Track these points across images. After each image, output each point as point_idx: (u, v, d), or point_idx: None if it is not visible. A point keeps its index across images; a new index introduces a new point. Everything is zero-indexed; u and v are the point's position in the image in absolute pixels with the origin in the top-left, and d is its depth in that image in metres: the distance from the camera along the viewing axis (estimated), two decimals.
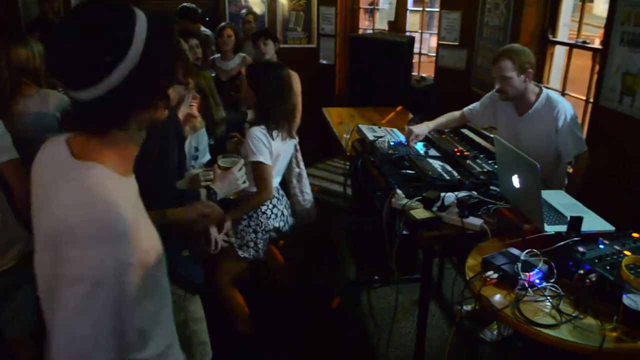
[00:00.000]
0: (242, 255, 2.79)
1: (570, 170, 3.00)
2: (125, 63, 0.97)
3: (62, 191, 1.01)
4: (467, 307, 3.23)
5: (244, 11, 5.94)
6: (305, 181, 3.30)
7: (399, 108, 4.73)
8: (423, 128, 3.20)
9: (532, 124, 2.89)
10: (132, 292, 0.98)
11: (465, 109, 3.30)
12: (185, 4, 5.21)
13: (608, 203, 3.00)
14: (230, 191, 2.16)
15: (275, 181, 2.91)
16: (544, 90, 2.91)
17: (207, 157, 2.77)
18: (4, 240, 2.17)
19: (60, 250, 0.96)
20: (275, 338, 3.15)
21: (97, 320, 0.95)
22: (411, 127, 3.19)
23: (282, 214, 2.92)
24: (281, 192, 3.01)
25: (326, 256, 4.21)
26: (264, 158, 2.68)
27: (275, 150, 2.74)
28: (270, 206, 2.86)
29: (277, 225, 2.89)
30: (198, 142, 2.71)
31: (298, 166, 3.29)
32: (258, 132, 2.70)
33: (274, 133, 2.74)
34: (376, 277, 3.73)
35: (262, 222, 2.82)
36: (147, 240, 1.05)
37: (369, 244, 3.52)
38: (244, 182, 2.21)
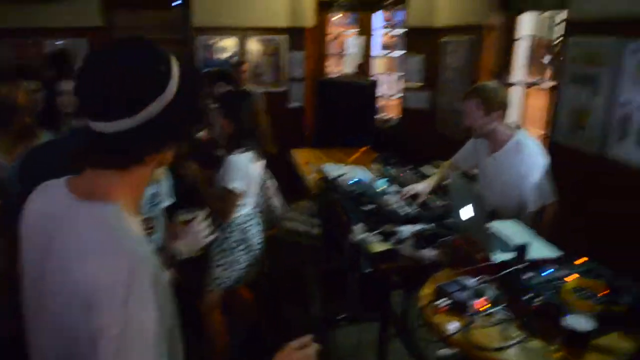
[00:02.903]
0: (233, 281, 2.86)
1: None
2: (164, 96, 0.97)
3: (77, 240, 0.96)
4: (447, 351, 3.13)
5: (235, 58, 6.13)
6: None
7: (364, 148, 4.83)
8: (424, 186, 3.05)
9: (500, 164, 2.78)
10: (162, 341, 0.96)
11: (452, 157, 3.22)
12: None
13: (564, 230, 3.08)
14: (195, 247, 2.01)
15: (252, 200, 2.96)
16: (519, 133, 2.79)
17: (171, 199, 2.67)
18: None
19: (91, 308, 0.90)
20: None
21: None
22: (413, 185, 3.08)
23: (260, 230, 2.99)
24: (257, 209, 3.05)
25: (295, 294, 4.19)
26: (237, 185, 2.69)
27: (251, 172, 2.77)
28: (255, 224, 2.93)
29: (261, 241, 2.95)
30: (158, 187, 2.64)
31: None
32: (237, 159, 2.71)
33: (252, 154, 2.77)
34: (343, 315, 3.71)
35: (254, 243, 2.89)
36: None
37: (336, 282, 3.53)
38: (208, 235, 2.05)
